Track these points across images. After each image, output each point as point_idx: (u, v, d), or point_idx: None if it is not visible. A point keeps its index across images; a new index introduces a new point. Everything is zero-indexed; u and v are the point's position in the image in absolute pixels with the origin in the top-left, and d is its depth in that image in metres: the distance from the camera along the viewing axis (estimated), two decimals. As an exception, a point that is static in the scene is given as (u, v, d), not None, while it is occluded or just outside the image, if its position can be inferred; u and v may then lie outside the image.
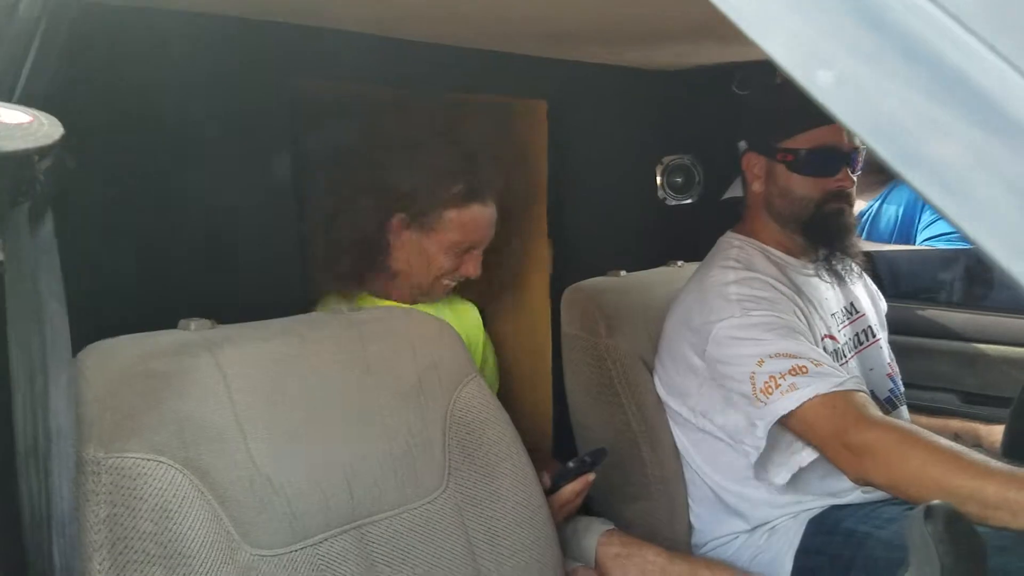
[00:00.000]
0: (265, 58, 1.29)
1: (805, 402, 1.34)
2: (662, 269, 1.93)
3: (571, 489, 1.41)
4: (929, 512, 1.02)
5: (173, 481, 0.97)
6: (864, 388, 1.38)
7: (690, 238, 1.83)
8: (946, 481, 1.16)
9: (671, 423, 1.65)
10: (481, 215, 1.57)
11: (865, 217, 2.34)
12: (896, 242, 2.30)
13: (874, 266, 2.06)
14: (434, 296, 1.64)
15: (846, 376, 1.37)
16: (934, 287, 2.10)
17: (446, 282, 1.61)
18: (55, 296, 0.90)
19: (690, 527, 1.67)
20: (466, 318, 1.75)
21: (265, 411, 1.08)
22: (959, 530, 1.02)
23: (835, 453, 1.33)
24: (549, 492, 1.39)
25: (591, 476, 1.43)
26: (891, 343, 1.80)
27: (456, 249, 1.57)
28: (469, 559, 1.20)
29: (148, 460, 0.96)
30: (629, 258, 1.88)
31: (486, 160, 1.57)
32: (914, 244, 2.27)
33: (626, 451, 1.64)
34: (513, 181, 1.67)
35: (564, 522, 1.43)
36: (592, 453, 1.44)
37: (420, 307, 1.59)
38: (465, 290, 1.80)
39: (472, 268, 1.60)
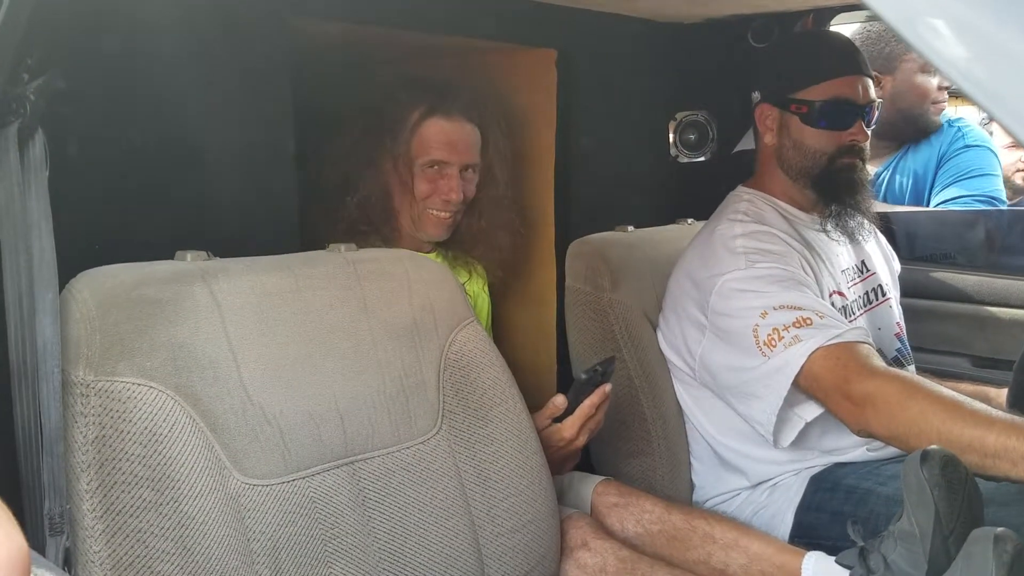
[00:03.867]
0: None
1: (810, 355, 1.32)
2: (671, 227, 1.90)
3: (590, 403, 1.35)
4: (925, 456, 1.01)
5: (164, 406, 0.97)
6: (869, 340, 1.36)
7: (702, 196, 1.80)
8: (947, 430, 1.14)
9: (673, 379, 1.64)
10: (444, 128, 1.57)
11: (879, 180, 2.30)
12: (910, 205, 2.26)
13: (890, 228, 2.03)
14: (427, 230, 1.62)
15: (850, 327, 1.35)
16: (951, 250, 2.05)
17: (433, 212, 1.60)
18: (44, 217, 0.90)
19: (691, 484, 1.66)
20: (471, 286, 1.75)
21: (259, 342, 1.08)
22: (955, 474, 1.01)
23: (836, 405, 1.31)
24: (567, 412, 1.34)
25: (607, 387, 1.36)
26: (902, 306, 1.77)
27: (427, 169, 1.57)
28: (461, 501, 1.20)
29: (138, 385, 0.96)
30: (638, 215, 1.86)
31: (447, 80, 1.58)
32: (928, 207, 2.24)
33: (627, 407, 1.63)
34: (514, 128, 1.67)
35: (562, 469, 1.42)
36: (602, 362, 1.37)
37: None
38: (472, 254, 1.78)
39: (449, 190, 1.58)
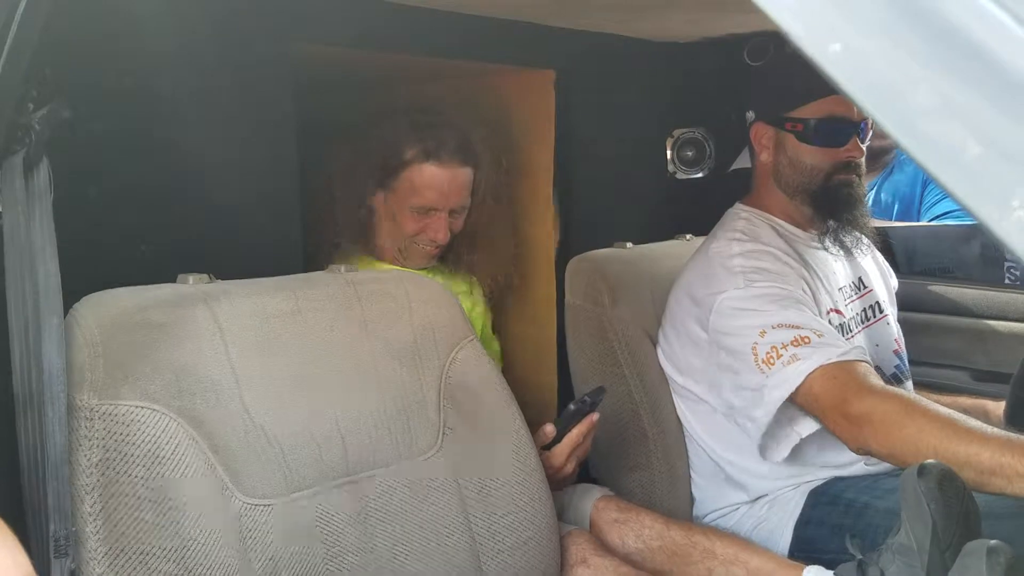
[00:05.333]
0: (265, 18, 1.29)
1: (808, 375, 1.33)
2: (670, 242, 1.92)
3: (578, 432, 1.37)
4: (922, 470, 1.02)
5: (167, 429, 0.98)
6: (866, 358, 1.37)
7: (700, 212, 1.81)
8: (943, 447, 1.15)
9: (673, 395, 1.65)
10: (437, 175, 1.56)
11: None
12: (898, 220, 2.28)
13: (888, 243, 2.04)
14: (413, 261, 1.63)
15: (848, 346, 1.36)
16: (950, 265, 2.06)
17: (422, 247, 1.62)
18: (48, 242, 0.91)
19: (691, 498, 1.66)
20: (469, 298, 1.76)
21: (260, 364, 1.09)
22: (951, 488, 1.01)
23: (835, 423, 1.32)
24: (556, 440, 1.37)
25: (595, 416, 1.39)
26: (901, 320, 1.77)
27: (416, 210, 1.58)
28: (462, 518, 1.21)
29: (141, 408, 0.97)
30: (638, 231, 1.87)
31: (444, 123, 1.57)
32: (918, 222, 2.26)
33: (628, 422, 1.64)
34: (511, 150, 1.67)
35: (562, 486, 1.43)
36: (591, 392, 1.40)
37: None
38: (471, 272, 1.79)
39: (436, 231, 1.59)
